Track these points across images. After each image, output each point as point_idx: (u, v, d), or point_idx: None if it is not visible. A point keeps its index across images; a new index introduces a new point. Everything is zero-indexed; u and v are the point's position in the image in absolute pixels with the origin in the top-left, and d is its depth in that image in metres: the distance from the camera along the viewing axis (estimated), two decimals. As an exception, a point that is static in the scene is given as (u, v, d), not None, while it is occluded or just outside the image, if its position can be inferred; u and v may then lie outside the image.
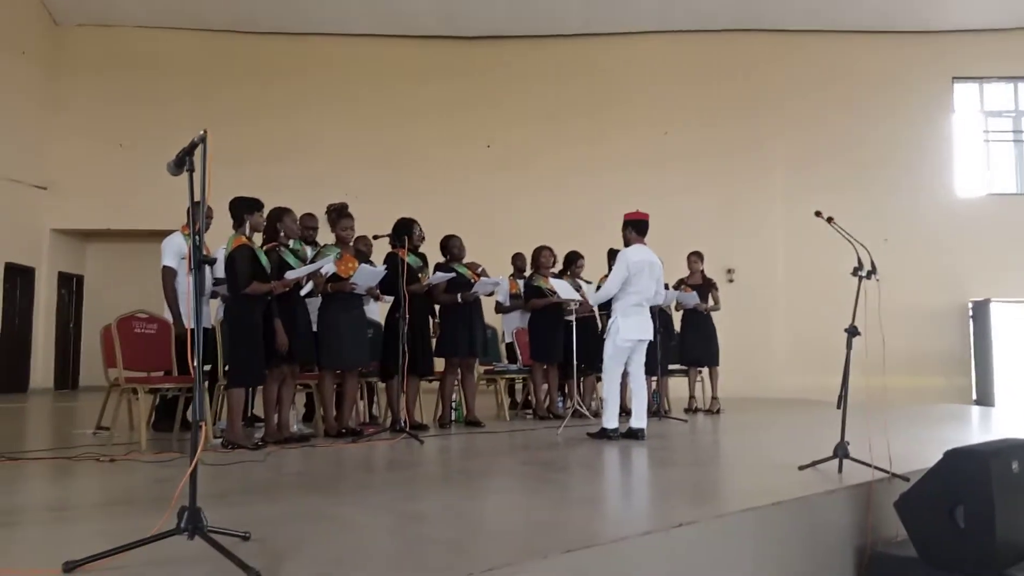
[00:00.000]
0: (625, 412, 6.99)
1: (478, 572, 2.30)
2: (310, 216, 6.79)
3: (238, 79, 14.47)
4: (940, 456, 3.64)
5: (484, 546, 2.86)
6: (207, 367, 5.86)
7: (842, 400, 4.39)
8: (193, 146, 2.44)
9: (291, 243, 5.86)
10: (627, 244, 6.34)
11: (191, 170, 2.46)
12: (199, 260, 2.40)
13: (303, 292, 5.78)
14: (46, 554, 2.55)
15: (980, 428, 8.15)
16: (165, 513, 2.53)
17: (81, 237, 15.08)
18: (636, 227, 6.31)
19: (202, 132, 2.37)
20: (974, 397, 13.67)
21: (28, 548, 2.77)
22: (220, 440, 5.40)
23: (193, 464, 2.40)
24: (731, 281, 13.40)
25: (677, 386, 9.29)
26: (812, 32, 14.54)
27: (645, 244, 6.31)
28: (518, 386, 9.29)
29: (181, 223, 6.57)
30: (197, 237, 2.43)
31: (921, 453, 4.95)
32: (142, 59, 14.53)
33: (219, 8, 14.30)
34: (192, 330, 2.37)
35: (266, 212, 5.59)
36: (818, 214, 4.78)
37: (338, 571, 2.42)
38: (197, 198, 2.43)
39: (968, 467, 3.45)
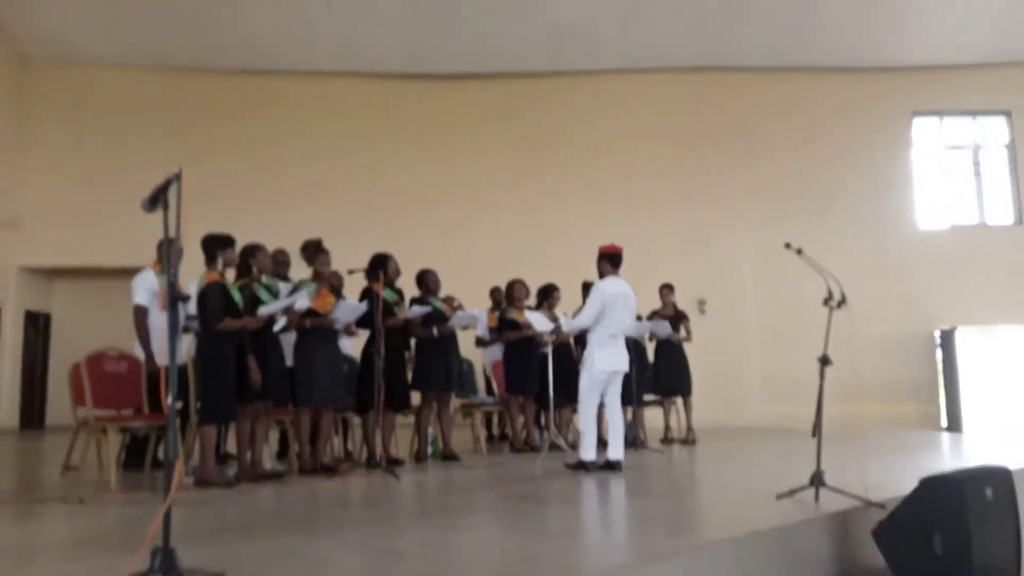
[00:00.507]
0: (601, 444, 6.97)
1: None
2: (282, 252, 6.76)
3: (206, 117, 14.42)
4: (915, 484, 3.68)
5: (464, 582, 2.83)
6: (179, 404, 5.77)
7: (817, 429, 4.43)
8: (168, 183, 2.43)
9: (264, 279, 5.83)
10: (602, 276, 6.40)
11: (165, 207, 2.45)
12: (174, 297, 2.38)
13: (276, 328, 5.73)
14: (14, 600, 2.49)
15: (952, 455, 8.24)
16: (137, 554, 2.48)
17: (48, 275, 14.85)
18: (611, 260, 6.37)
19: (176, 170, 2.37)
20: (943, 424, 13.84)
21: (-5, 594, 2.70)
22: (192, 478, 5.30)
23: (167, 504, 2.36)
24: (703, 312, 13.50)
25: (652, 417, 9.31)
26: (775, 70, 14.86)
27: (619, 277, 6.37)
28: (495, 419, 9.26)
29: (150, 260, 6.52)
30: (172, 274, 2.41)
31: (895, 481, 4.99)
32: (110, 98, 14.46)
33: (186, 47, 14.29)
34: (166, 367, 2.34)
35: (238, 248, 5.57)
36: (787, 246, 4.85)
37: (316, 611, 2.38)
38: (172, 234, 2.42)
39: (944, 494, 3.49)
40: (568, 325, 6.69)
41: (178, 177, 2.36)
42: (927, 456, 7.76)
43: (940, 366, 14.08)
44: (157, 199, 2.42)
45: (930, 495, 3.57)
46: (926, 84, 14.83)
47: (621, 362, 6.26)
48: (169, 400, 2.33)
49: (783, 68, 14.83)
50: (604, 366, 6.14)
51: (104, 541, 3.70)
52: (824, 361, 4.46)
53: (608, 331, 6.17)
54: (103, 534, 3.85)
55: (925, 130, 15.11)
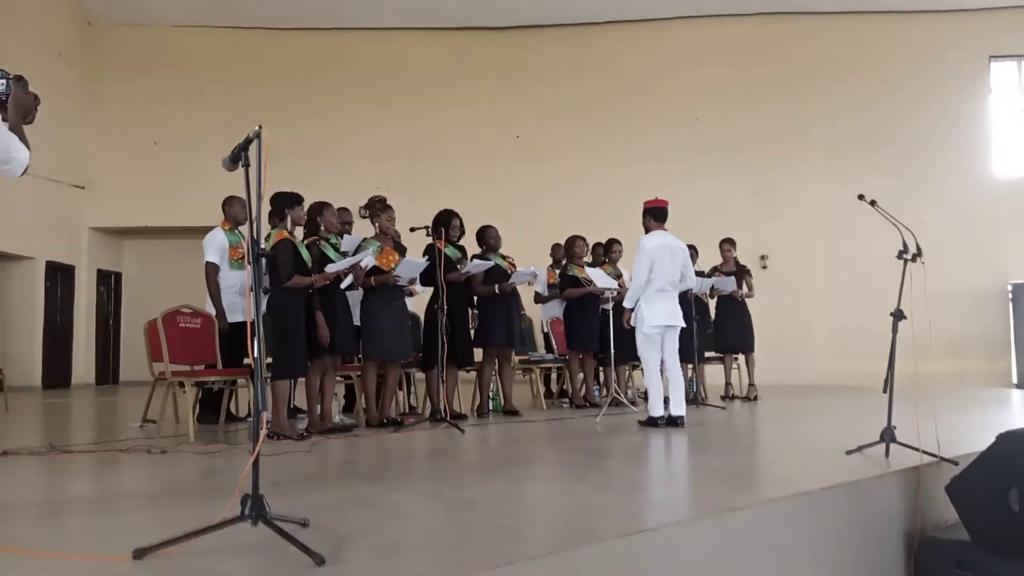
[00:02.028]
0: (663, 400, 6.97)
1: (538, 556, 2.32)
2: (344, 210, 6.88)
3: (269, 75, 14.60)
4: (988, 440, 3.61)
5: (538, 531, 2.89)
6: (247, 361, 5.96)
7: (888, 384, 4.36)
8: (248, 141, 2.47)
9: (331, 237, 5.93)
10: (647, 231, 6.31)
11: (247, 165, 2.49)
12: (257, 253, 2.44)
13: (343, 285, 5.84)
14: (113, 542, 2.63)
15: (1024, 412, 8.04)
16: (226, 501, 2.59)
17: (118, 235, 15.33)
18: (654, 214, 6.29)
19: (257, 128, 2.41)
20: (1015, 380, 13.47)
21: (94, 536, 2.84)
22: (265, 431, 5.47)
23: (256, 452, 2.45)
24: (764, 267, 13.30)
25: (712, 373, 9.26)
26: (845, 14, 14.33)
27: (666, 230, 6.28)
28: (553, 375, 9.33)
29: (214, 219, 6.70)
30: (256, 230, 2.46)
31: (968, 437, 4.91)
32: (175, 57, 14.71)
33: (249, 5, 14.43)
34: (253, 322, 2.41)
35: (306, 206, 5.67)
36: (861, 197, 4.73)
37: (400, 556, 2.46)
38: (254, 192, 2.47)
39: (1022, 450, 3.41)
40: (627, 300, 6.35)
41: (258, 135, 2.40)
42: (999, 412, 7.59)
43: (1012, 321, 13.65)
44: (238, 157, 2.46)
45: (1008, 450, 3.49)
46: (1004, 26, 14.15)
47: (672, 316, 6.17)
48: (255, 352, 2.40)
49: (853, 12, 14.30)
50: (653, 320, 6.08)
51: (190, 489, 3.86)
52: (898, 315, 4.36)
53: (655, 285, 6.09)
54: (188, 482, 4.02)
55: (1003, 75, 14.45)
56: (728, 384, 9.00)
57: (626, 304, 6.32)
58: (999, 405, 8.60)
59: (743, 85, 14.34)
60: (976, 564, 3.48)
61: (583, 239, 8.15)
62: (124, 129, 14.49)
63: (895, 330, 4.35)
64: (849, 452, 4.29)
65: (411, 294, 6.87)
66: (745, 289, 8.83)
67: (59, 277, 13.87)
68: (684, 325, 6.37)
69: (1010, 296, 13.70)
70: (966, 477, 3.61)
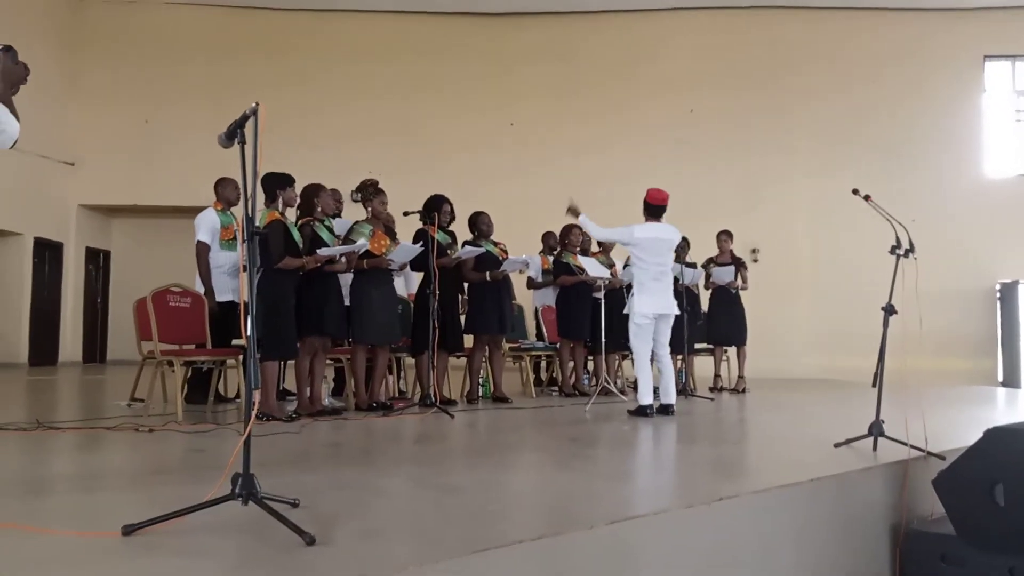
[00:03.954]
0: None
1: (526, 540, 2.32)
2: (336, 191, 6.86)
3: (258, 55, 14.45)
4: (974, 436, 3.63)
5: (525, 517, 2.89)
6: (236, 341, 5.95)
7: (878, 379, 4.38)
8: (244, 118, 2.45)
9: (325, 219, 5.91)
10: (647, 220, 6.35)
11: (243, 142, 2.47)
12: (251, 232, 2.42)
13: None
14: (102, 518, 2.61)
15: (1010, 409, 8.11)
16: (215, 480, 2.58)
17: (107, 213, 15.22)
18: (649, 209, 6.30)
19: (254, 104, 2.38)
20: (1000, 379, 13.57)
21: (83, 512, 2.83)
22: (256, 410, 5.45)
23: (247, 430, 2.44)
24: (755, 260, 13.32)
25: (701, 365, 9.28)
26: (839, 9, 14.31)
27: (659, 222, 6.29)
28: (543, 363, 9.33)
29: (201, 199, 6.68)
30: (251, 208, 2.44)
31: (955, 433, 4.94)
32: (163, 35, 14.56)
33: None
34: (247, 302, 2.39)
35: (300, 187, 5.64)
36: (856, 192, 4.74)
37: (386, 539, 2.45)
38: (249, 170, 2.45)
39: (1009, 446, 3.44)
40: (592, 228, 6.48)
41: (255, 112, 2.38)
42: (986, 410, 7.66)
43: (999, 320, 13.73)
44: (234, 134, 2.44)
45: (995, 446, 3.52)
46: (999, 26, 14.17)
47: (664, 305, 6.18)
48: (248, 331, 2.38)
49: (846, 7, 14.28)
50: (643, 309, 6.11)
51: (180, 468, 3.85)
52: (889, 310, 4.37)
53: (648, 274, 6.13)
54: (177, 461, 4.01)
55: (997, 74, 14.47)
56: (717, 376, 9.03)
57: (592, 232, 6.63)
58: (985, 402, 8.67)
59: (734, 78, 14.32)
60: (960, 558, 3.52)
61: (579, 228, 8.13)
62: (114, 106, 14.35)
63: (886, 325, 4.36)
64: (837, 445, 4.31)
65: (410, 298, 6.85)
66: (740, 281, 8.85)
67: (47, 254, 13.76)
68: (677, 312, 6.39)
69: (998, 295, 13.79)
70: (953, 471, 3.64)
